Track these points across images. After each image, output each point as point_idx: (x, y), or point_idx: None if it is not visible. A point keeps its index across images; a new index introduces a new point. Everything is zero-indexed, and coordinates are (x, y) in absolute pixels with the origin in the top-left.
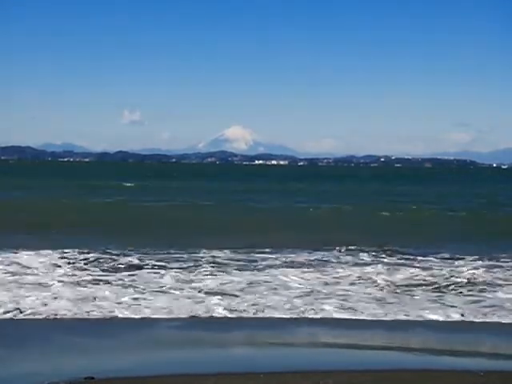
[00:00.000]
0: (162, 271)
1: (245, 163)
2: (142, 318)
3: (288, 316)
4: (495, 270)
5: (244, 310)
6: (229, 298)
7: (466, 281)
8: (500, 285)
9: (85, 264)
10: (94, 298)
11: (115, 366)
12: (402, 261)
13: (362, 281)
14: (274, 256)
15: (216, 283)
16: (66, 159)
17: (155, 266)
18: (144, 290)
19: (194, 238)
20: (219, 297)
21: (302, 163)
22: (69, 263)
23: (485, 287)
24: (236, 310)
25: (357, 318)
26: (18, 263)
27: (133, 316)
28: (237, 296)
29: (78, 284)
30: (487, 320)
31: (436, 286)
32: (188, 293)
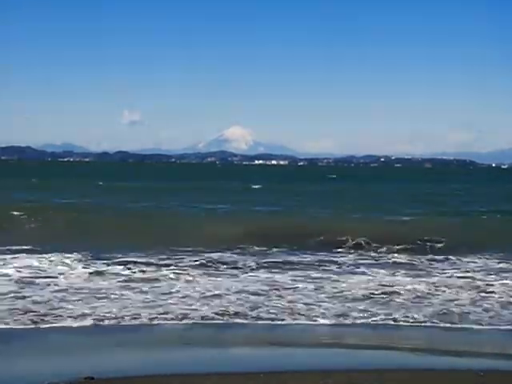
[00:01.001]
0: None
1: (245, 163)
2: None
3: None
4: None
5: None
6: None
7: None
8: None
9: None
10: None
11: (115, 366)
12: None
13: None
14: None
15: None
16: (65, 159)
17: None
18: None
19: None
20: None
21: (301, 163)
22: None
23: None
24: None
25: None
26: None
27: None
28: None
29: None
30: None
31: None
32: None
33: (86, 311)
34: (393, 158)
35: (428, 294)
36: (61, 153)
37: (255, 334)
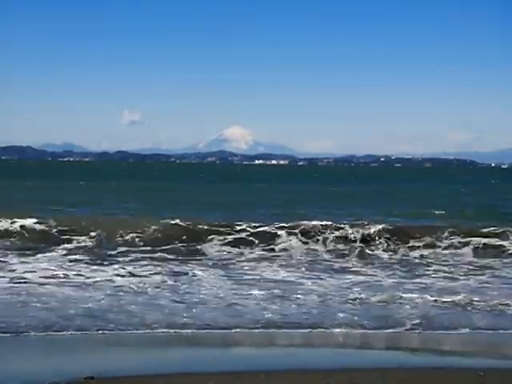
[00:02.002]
0: None
1: (245, 163)
2: None
3: None
4: None
5: None
6: None
7: None
8: None
9: None
10: None
11: (115, 366)
12: None
13: None
14: None
15: None
16: (65, 159)
17: None
18: None
19: None
20: None
21: (301, 163)
22: None
23: None
24: None
25: None
26: None
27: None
28: None
29: None
30: None
31: None
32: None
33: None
34: (393, 157)
35: None
36: (61, 152)
37: (256, 334)
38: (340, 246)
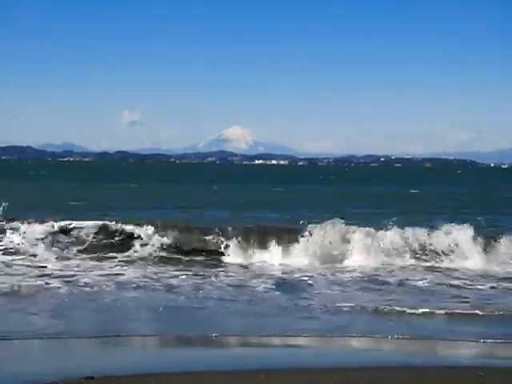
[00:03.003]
0: None
1: (245, 163)
2: None
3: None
4: None
5: None
6: None
7: None
8: None
9: None
10: None
11: (115, 366)
12: None
13: None
14: None
15: None
16: (65, 159)
17: None
18: None
19: None
20: None
21: (301, 163)
22: None
23: None
24: None
25: None
26: None
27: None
28: None
29: None
30: None
31: None
32: None
33: None
34: (393, 157)
35: None
36: (61, 152)
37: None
38: None
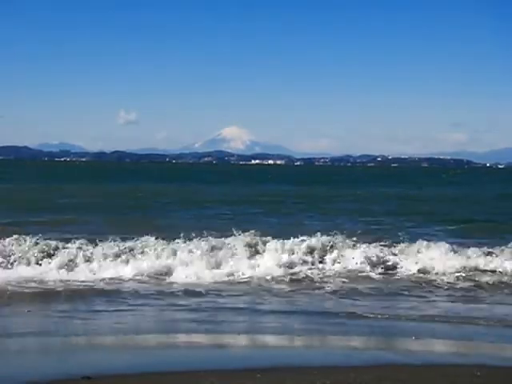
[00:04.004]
0: None
1: (241, 163)
2: None
3: None
4: None
5: None
6: None
7: None
8: None
9: None
10: None
11: (112, 365)
12: None
13: None
14: None
15: None
16: (62, 159)
17: None
18: None
19: None
20: None
21: (298, 163)
22: None
23: None
24: None
25: None
26: None
27: None
28: None
29: None
30: None
31: None
32: None
33: None
34: (389, 157)
35: None
36: (58, 152)
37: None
38: None
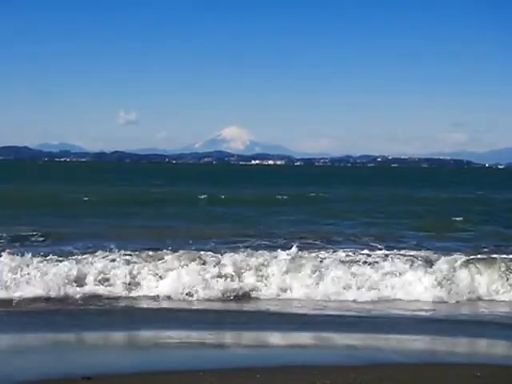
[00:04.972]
0: None
1: (241, 163)
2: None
3: None
4: None
5: None
6: None
7: None
8: None
9: None
10: None
11: (113, 365)
12: None
13: None
14: None
15: None
16: (62, 159)
17: None
18: None
19: None
20: None
21: (298, 163)
22: None
23: None
24: None
25: None
26: None
27: None
28: None
29: None
30: None
31: None
32: None
33: None
34: (389, 157)
35: None
36: (58, 153)
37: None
38: None
